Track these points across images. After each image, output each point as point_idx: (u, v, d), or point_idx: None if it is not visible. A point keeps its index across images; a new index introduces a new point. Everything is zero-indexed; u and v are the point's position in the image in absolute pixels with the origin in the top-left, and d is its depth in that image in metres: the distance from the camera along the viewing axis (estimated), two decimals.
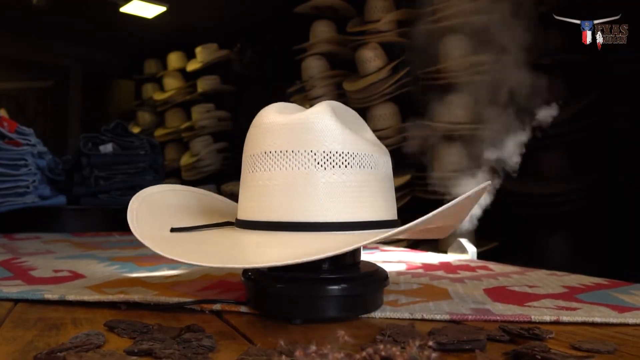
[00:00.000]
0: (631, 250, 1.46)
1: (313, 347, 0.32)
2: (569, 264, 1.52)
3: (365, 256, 0.61)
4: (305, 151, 0.53)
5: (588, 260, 1.53)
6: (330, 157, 0.53)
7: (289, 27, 2.74)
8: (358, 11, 2.27)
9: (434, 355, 0.31)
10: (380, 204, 0.56)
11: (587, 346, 0.44)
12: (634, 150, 1.51)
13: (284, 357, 0.35)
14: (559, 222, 1.62)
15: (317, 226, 0.52)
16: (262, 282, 0.54)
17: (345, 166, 0.53)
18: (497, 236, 1.66)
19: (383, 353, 0.32)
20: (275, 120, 0.56)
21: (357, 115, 0.64)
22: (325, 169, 0.53)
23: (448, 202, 0.49)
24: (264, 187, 0.55)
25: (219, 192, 2.52)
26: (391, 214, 0.58)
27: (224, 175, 3.22)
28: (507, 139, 1.45)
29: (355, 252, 0.58)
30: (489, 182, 0.54)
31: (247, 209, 0.58)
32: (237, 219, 0.60)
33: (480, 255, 1.19)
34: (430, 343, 0.33)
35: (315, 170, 0.53)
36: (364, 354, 0.33)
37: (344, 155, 0.54)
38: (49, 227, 1.71)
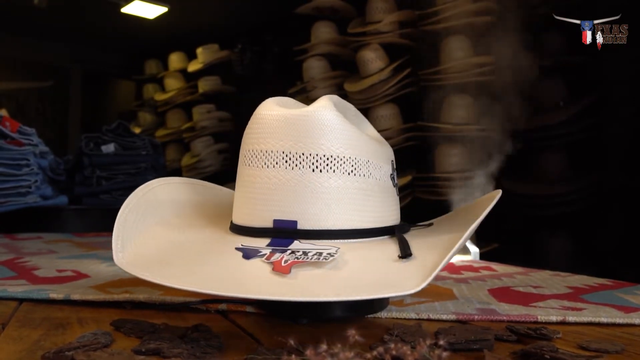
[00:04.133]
0: (631, 252, 1.46)
1: (324, 347, 0.32)
2: (569, 265, 1.53)
3: None
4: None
5: (588, 261, 1.53)
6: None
7: (290, 28, 2.74)
8: (359, 12, 2.27)
9: (445, 354, 0.31)
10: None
11: (595, 346, 0.44)
12: (634, 151, 1.51)
13: (293, 356, 0.35)
14: (559, 223, 1.62)
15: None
16: None
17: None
18: (497, 237, 1.66)
19: (394, 352, 0.31)
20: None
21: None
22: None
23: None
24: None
25: None
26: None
27: (224, 176, 3.22)
28: (507, 141, 1.45)
29: None
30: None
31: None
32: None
33: (480, 257, 1.19)
34: (442, 342, 0.33)
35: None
36: (374, 353, 0.33)
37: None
38: (50, 227, 1.71)
